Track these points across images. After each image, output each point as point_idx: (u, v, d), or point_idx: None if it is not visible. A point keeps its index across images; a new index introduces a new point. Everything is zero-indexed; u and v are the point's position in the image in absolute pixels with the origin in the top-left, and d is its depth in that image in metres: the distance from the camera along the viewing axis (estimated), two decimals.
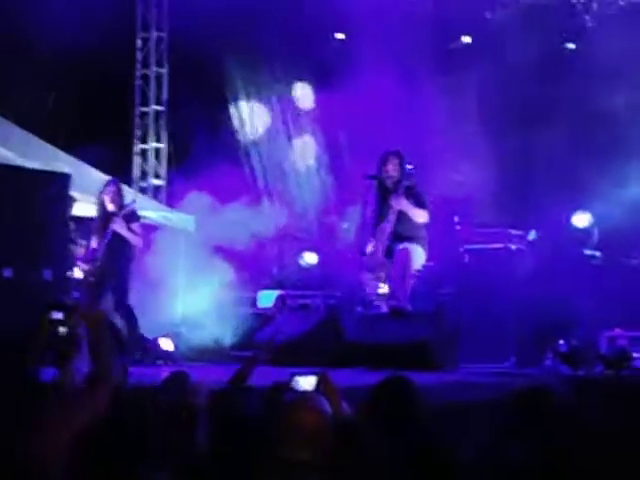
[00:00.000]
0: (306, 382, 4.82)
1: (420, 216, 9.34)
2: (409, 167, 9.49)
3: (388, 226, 9.38)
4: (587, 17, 12.29)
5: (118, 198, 10.02)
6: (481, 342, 9.82)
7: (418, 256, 9.43)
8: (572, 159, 11.86)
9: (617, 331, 9.63)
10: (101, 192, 10.06)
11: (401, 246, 9.33)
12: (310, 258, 12.28)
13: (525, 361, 9.14)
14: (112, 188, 10.07)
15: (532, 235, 11.78)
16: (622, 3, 12.51)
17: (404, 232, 9.36)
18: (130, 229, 9.84)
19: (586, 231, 11.95)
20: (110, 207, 9.95)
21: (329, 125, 13.06)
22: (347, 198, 11.79)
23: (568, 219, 11.89)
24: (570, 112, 11.85)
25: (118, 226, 9.74)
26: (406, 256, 9.30)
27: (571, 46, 12.51)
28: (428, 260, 10.02)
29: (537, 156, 11.61)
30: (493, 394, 6.22)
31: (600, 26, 12.17)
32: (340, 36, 13.08)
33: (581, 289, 10.49)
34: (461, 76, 11.93)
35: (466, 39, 13.00)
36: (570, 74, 11.96)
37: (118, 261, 9.82)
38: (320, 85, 13.07)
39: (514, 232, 11.78)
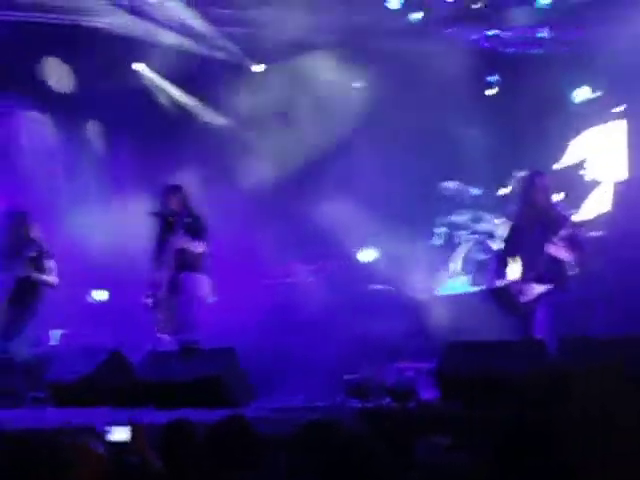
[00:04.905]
0: (120, 433, 4.69)
1: (198, 247, 9.48)
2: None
3: (170, 261, 9.46)
4: None
5: None
6: (276, 377, 9.92)
7: (204, 285, 9.56)
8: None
9: (404, 363, 9.87)
10: None
11: (185, 275, 9.45)
12: (99, 295, 12.09)
13: (318, 395, 9.24)
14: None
15: (323, 269, 11.99)
16: None
17: (186, 262, 9.48)
18: None
19: (372, 266, 12.27)
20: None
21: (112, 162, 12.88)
22: None
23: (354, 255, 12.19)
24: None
25: None
26: (191, 284, 9.43)
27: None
28: (223, 294, 10.11)
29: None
30: (284, 429, 6.25)
31: None
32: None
33: (370, 322, 10.76)
34: None
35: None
36: None
37: None
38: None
39: (305, 266, 11.96)
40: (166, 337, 9.40)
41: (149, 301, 9.51)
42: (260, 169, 12.14)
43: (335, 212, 11.79)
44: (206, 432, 4.79)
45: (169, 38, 12.32)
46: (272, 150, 12.30)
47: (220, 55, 12.64)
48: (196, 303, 9.45)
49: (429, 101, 11.96)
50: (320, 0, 11.81)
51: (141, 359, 9.02)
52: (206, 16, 12.29)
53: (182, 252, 9.47)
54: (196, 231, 9.53)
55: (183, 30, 12.37)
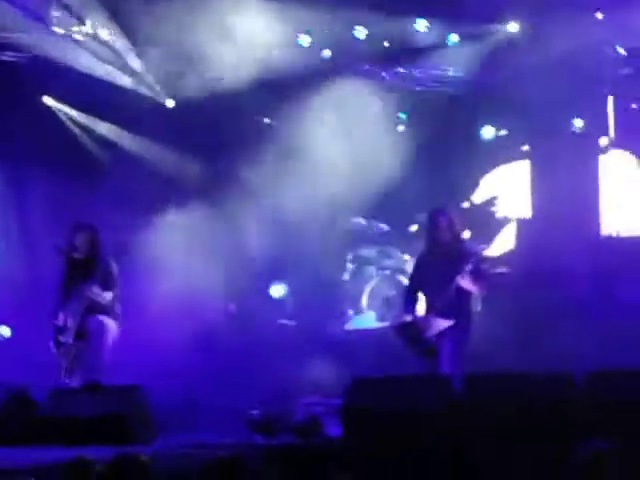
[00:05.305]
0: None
1: (106, 298, 9.35)
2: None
3: (80, 306, 9.31)
4: None
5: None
6: (187, 414, 9.87)
7: (113, 329, 9.41)
8: None
9: (313, 398, 9.87)
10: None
11: (94, 319, 9.29)
12: (2, 330, 11.90)
13: (227, 432, 9.21)
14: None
15: (231, 307, 11.96)
16: None
17: (94, 308, 9.32)
18: None
19: (281, 301, 12.29)
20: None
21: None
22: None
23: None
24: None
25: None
26: (101, 328, 9.28)
27: None
28: (128, 333, 10.00)
29: None
30: (190, 465, 6.23)
31: None
32: None
33: (280, 357, 10.79)
34: None
35: None
36: None
37: None
38: None
39: (220, 302, 11.91)
40: (71, 383, 9.25)
41: (53, 346, 9.35)
42: (182, 202, 12.13)
43: (247, 247, 11.82)
44: (101, 470, 4.77)
45: (94, 68, 12.24)
46: (192, 184, 12.34)
47: (142, 89, 12.60)
48: (102, 348, 9.29)
49: (340, 137, 12.10)
50: (237, 39, 11.88)
51: (45, 396, 8.88)
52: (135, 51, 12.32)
53: (90, 298, 9.31)
54: (106, 281, 9.32)
55: (111, 61, 12.34)
